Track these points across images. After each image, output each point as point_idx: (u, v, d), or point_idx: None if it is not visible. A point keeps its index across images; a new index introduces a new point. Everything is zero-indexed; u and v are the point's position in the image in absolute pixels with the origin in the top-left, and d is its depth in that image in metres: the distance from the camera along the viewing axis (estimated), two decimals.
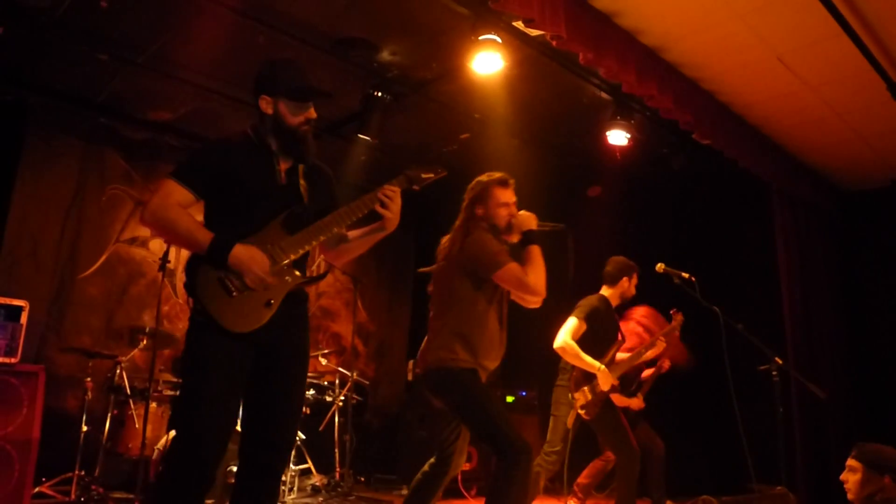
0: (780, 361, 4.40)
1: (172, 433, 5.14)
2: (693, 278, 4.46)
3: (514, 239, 3.44)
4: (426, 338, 3.41)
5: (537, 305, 3.30)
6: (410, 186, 2.77)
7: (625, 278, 4.84)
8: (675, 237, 6.88)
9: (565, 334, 4.49)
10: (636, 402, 5.50)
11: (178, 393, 5.36)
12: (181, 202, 2.49)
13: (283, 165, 2.66)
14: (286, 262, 2.52)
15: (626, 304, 5.06)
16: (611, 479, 5.11)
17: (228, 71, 5.67)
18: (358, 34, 5.15)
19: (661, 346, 4.70)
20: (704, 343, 4.79)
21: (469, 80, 5.20)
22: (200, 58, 5.49)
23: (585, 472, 5.52)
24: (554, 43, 4.22)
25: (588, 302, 4.69)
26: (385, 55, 5.40)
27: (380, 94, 5.65)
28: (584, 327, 4.54)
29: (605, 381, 4.40)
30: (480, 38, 4.54)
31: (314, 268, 7.47)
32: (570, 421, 4.47)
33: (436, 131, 6.71)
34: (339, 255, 2.86)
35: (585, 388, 4.47)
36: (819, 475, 5.56)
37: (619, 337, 4.73)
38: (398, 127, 6.43)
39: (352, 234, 2.84)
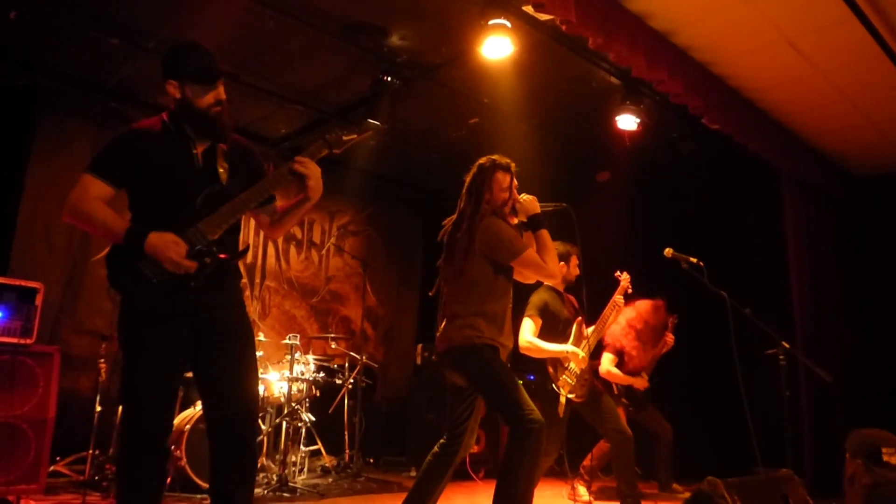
0: (787, 345, 4.43)
1: (184, 413, 5.23)
2: (701, 263, 4.47)
3: (515, 221, 3.57)
4: (444, 321, 3.45)
5: (553, 282, 3.41)
6: (331, 150, 2.74)
7: (561, 263, 4.83)
8: (683, 222, 6.88)
9: (525, 333, 4.61)
10: (639, 382, 5.54)
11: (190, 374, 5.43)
12: (99, 195, 2.55)
13: (200, 148, 2.68)
14: (204, 242, 2.53)
15: (577, 285, 5.06)
16: None
17: (239, 56, 5.69)
18: (367, 19, 5.15)
19: (619, 307, 4.88)
20: (712, 327, 4.81)
21: (478, 64, 5.19)
22: (211, 43, 5.39)
23: (591, 455, 5.58)
24: (563, 27, 4.23)
25: (536, 298, 4.78)
26: (394, 40, 5.40)
27: (389, 78, 5.65)
28: (540, 322, 4.67)
29: (577, 359, 4.52)
30: (490, 22, 4.53)
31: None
32: (560, 410, 4.52)
33: (445, 116, 6.72)
34: (272, 229, 2.90)
35: (566, 373, 4.58)
36: (825, 458, 5.59)
37: (577, 317, 4.79)
38: (408, 112, 6.44)
39: (280, 206, 2.87)
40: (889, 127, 5.95)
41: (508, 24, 4.55)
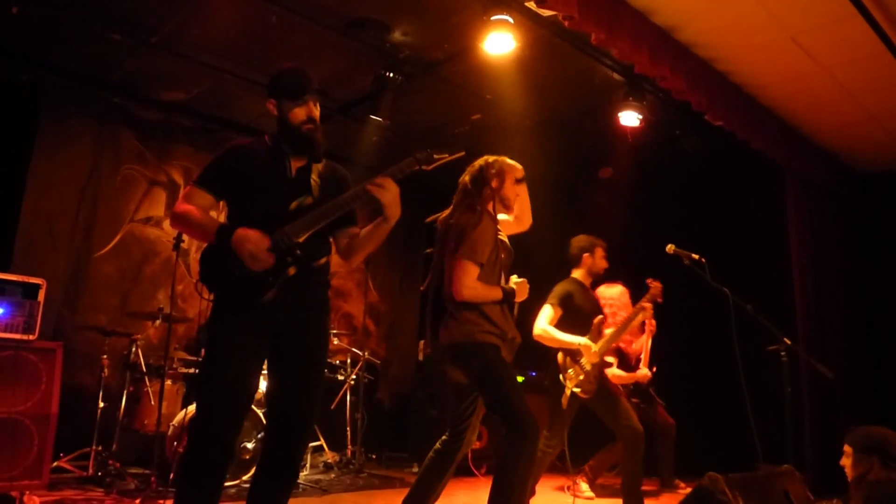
0: (789, 342, 4.42)
1: (190, 409, 5.24)
2: (703, 259, 4.46)
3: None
4: (446, 317, 3.43)
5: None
6: (420, 167, 2.83)
7: (585, 255, 4.85)
8: (686, 218, 6.88)
9: (542, 321, 4.58)
10: (642, 375, 5.52)
11: (194, 370, 5.45)
12: (201, 204, 2.74)
13: (296, 164, 2.83)
14: (289, 243, 2.64)
15: (603, 279, 5.10)
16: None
17: (241, 51, 5.70)
18: (370, 15, 5.15)
19: (649, 311, 4.77)
20: (714, 324, 4.81)
21: (481, 60, 5.18)
22: (213, 38, 5.52)
23: (598, 456, 5.57)
24: (566, 23, 4.21)
25: (560, 287, 4.74)
26: (397, 36, 5.40)
27: (392, 74, 5.65)
28: (560, 312, 4.62)
29: (590, 353, 4.44)
30: (492, 18, 4.53)
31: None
32: (564, 402, 4.45)
33: (447, 112, 6.71)
34: (349, 252, 2.92)
35: (576, 366, 4.49)
36: (826, 455, 5.58)
37: (602, 314, 4.74)
38: (410, 108, 6.43)
39: (360, 231, 2.93)
40: (893, 124, 5.94)
41: (511, 20, 4.55)
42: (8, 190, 5.89)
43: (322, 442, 6.23)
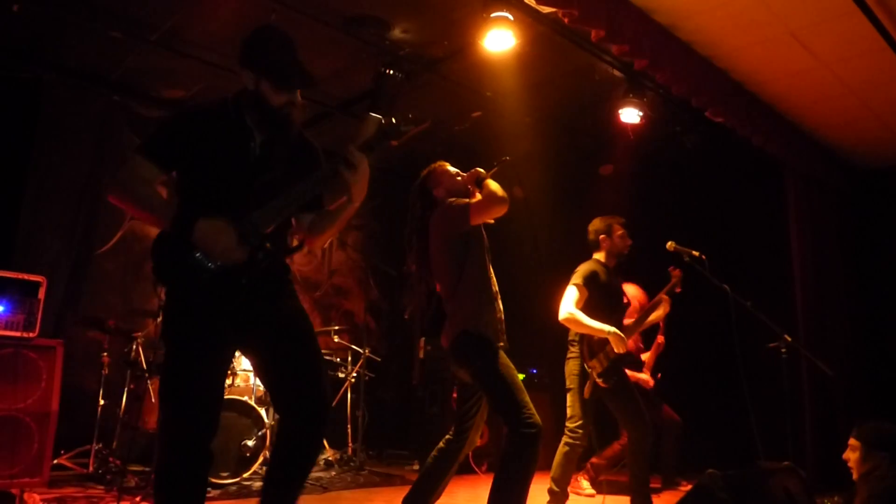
0: (789, 339, 4.42)
1: None
2: (703, 256, 4.45)
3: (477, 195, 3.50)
4: (446, 318, 3.43)
5: (503, 210, 3.33)
6: (386, 141, 2.54)
7: (602, 237, 4.63)
8: (686, 216, 6.87)
9: (569, 304, 4.32)
10: (644, 379, 5.52)
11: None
12: (147, 177, 2.39)
13: (259, 138, 2.50)
14: (257, 235, 2.36)
15: (629, 262, 4.85)
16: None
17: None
18: (370, 12, 5.15)
19: (666, 305, 4.55)
20: (714, 321, 4.81)
21: (481, 57, 5.18)
22: (213, 36, 5.52)
23: (601, 452, 5.55)
24: (566, 20, 4.21)
25: (584, 267, 4.50)
26: (397, 33, 5.40)
27: (391, 71, 5.64)
28: (586, 293, 4.37)
29: (618, 343, 4.21)
30: (492, 15, 4.52)
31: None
32: (587, 391, 4.32)
33: (448, 109, 6.70)
34: (311, 233, 2.65)
35: (601, 354, 4.33)
36: (827, 452, 5.58)
37: (625, 300, 4.61)
38: (410, 105, 6.42)
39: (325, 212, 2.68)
40: (893, 119, 5.93)
41: (510, 17, 4.54)
42: (8, 187, 5.89)
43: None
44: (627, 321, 4.61)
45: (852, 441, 3.76)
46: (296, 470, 2.51)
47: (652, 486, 4.68)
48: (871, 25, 4.51)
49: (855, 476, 3.77)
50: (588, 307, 4.35)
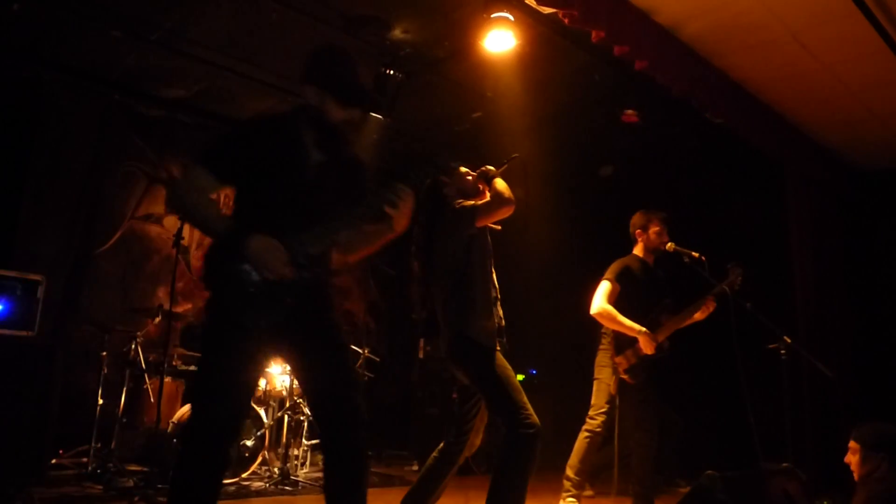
0: (789, 340, 4.41)
1: (188, 406, 5.23)
2: (703, 258, 4.45)
3: (486, 196, 3.48)
4: (444, 318, 3.42)
5: (510, 211, 3.34)
6: (440, 177, 2.71)
7: (638, 231, 4.67)
8: (686, 216, 6.86)
9: (600, 299, 4.37)
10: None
11: (194, 368, 5.46)
12: (205, 187, 2.45)
13: (316, 157, 2.57)
14: (305, 257, 2.44)
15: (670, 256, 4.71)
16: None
17: (242, 48, 5.69)
18: (370, 12, 5.14)
19: (710, 305, 4.48)
20: (713, 322, 4.79)
21: (481, 58, 5.17)
22: (214, 35, 5.52)
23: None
24: (566, 21, 4.21)
25: (617, 263, 4.54)
26: (397, 33, 5.40)
27: (392, 72, 5.64)
28: (618, 288, 4.40)
29: (647, 343, 4.25)
30: (492, 15, 4.52)
31: None
32: (613, 387, 4.31)
33: (448, 110, 6.70)
34: (347, 250, 2.73)
35: (629, 351, 4.32)
36: (827, 454, 5.58)
37: (665, 297, 4.52)
38: (411, 105, 6.42)
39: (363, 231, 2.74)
40: (893, 121, 5.92)
41: (511, 18, 4.54)
42: (8, 186, 5.88)
43: None
44: (667, 318, 4.51)
45: (852, 443, 3.75)
46: (349, 481, 2.55)
47: None
48: (871, 28, 4.50)
49: (855, 478, 3.77)
50: (622, 302, 4.37)
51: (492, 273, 3.47)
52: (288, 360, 2.73)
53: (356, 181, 2.68)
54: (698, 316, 4.52)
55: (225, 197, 2.60)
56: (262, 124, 2.60)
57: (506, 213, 3.36)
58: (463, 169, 3.57)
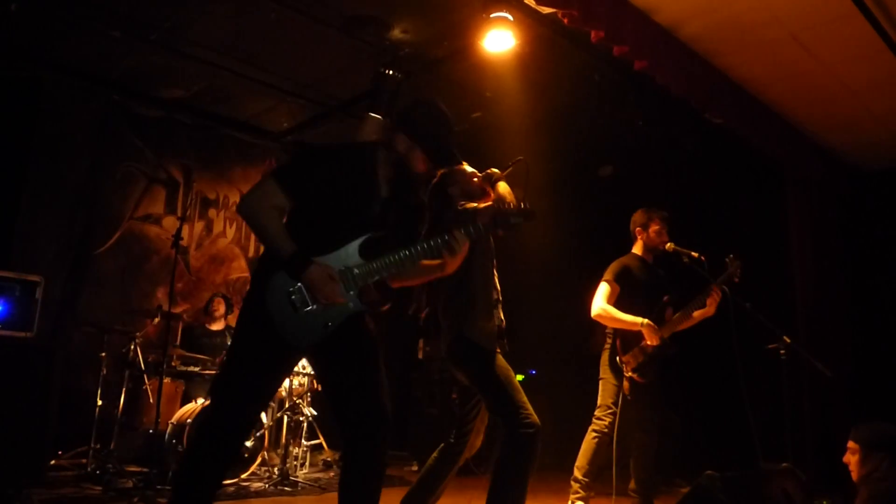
0: (788, 340, 4.40)
1: (188, 407, 5.24)
2: (703, 258, 4.44)
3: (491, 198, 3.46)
4: (445, 319, 3.42)
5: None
6: (495, 231, 2.75)
7: (638, 229, 4.67)
8: (686, 217, 6.86)
9: (600, 300, 4.38)
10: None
11: (193, 369, 5.46)
12: (276, 203, 2.54)
13: (385, 194, 2.68)
14: (354, 288, 2.55)
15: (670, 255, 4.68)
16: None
17: (240, 48, 5.69)
18: (369, 12, 5.13)
19: (716, 296, 4.44)
20: (713, 322, 4.79)
21: (480, 58, 5.17)
22: (213, 35, 5.51)
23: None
24: (566, 21, 4.20)
25: (617, 263, 4.54)
26: (396, 33, 5.39)
27: (391, 72, 5.64)
28: (617, 288, 4.41)
29: (651, 334, 4.24)
30: (492, 15, 4.52)
31: None
32: (625, 387, 4.29)
33: (447, 110, 6.68)
34: (395, 276, 2.78)
35: (636, 349, 4.31)
36: (827, 453, 5.58)
37: (666, 294, 4.50)
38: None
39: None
40: (893, 122, 5.92)
41: (510, 18, 4.53)
42: (7, 187, 5.88)
43: (321, 440, 6.22)
44: (670, 315, 4.50)
45: (851, 443, 3.75)
46: (364, 485, 2.61)
47: None
48: (871, 28, 4.50)
49: (855, 478, 3.76)
50: (623, 302, 4.37)
51: (493, 275, 3.46)
52: (320, 375, 2.84)
53: (415, 224, 2.84)
54: (705, 312, 4.50)
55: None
56: (342, 153, 2.71)
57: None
58: (469, 169, 3.56)
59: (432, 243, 2.61)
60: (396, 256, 2.59)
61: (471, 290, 3.34)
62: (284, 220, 2.62)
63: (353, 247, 2.56)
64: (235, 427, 2.58)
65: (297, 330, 2.52)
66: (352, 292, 2.55)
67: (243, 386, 2.55)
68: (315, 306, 2.49)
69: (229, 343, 2.69)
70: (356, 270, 2.55)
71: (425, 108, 2.79)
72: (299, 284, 2.48)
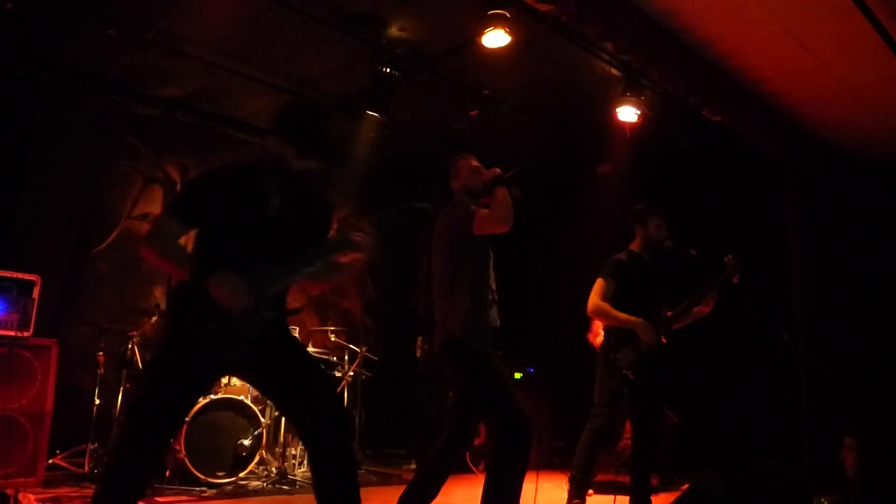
0: (787, 337, 4.40)
1: None
2: (701, 255, 4.43)
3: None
4: (438, 317, 3.40)
5: (505, 230, 3.30)
6: (401, 221, 2.77)
7: (636, 225, 4.62)
8: (684, 215, 6.85)
9: (595, 296, 4.35)
10: None
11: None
12: (173, 233, 2.62)
13: (277, 202, 2.71)
14: (264, 296, 2.58)
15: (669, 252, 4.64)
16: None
17: (237, 47, 5.67)
18: (366, 10, 5.12)
19: (712, 298, 4.44)
20: (711, 320, 4.79)
21: (478, 55, 5.17)
22: (209, 34, 5.50)
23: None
24: (563, 18, 4.20)
25: (613, 259, 4.51)
26: (394, 31, 5.38)
27: (389, 70, 5.63)
28: (613, 285, 4.37)
29: (647, 333, 4.22)
30: (489, 12, 4.52)
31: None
32: (616, 384, 4.26)
33: (445, 108, 6.69)
34: (312, 280, 2.84)
35: (630, 346, 4.29)
36: (825, 451, 5.57)
37: (663, 292, 4.49)
38: (407, 104, 6.41)
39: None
40: (891, 118, 5.92)
41: (508, 15, 4.53)
42: (4, 186, 5.86)
43: None
44: (667, 312, 4.48)
45: (848, 440, 3.76)
46: (345, 489, 2.68)
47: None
48: (869, 25, 4.49)
49: (851, 474, 3.77)
50: (620, 299, 4.34)
51: (489, 276, 3.44)
52: (264, 391, 2.88)
53: (319, 223, 2.83)
54: (702, 310, 4.49)
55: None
56: (226, 172, 2.78)
57: (501, 229, 3.30)
58: (474, 163, 3.53)
59: (336, 243, 2.67)
60: (301, 258, 2.65)
61: (464, 290, 3.32)
62: (192, 245, 2.70)
63: (260, 257, 2.60)
64: (153, 441, 2.55)
65: (215, 346, 2.54)
66: (265, 302, 2.57)
67: (162, 405, 2.54)
68: (230, 320, 2.50)
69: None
70: (264, 280, 2.58)
71: (287, 107, 2.83)
72: (211, 300, 2.49)
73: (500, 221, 3.28)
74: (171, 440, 4.89)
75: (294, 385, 2.66)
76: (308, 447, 2.69)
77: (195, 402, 2.75)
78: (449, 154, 3.61)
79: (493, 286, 3.46)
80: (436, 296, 3.41)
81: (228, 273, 2.50)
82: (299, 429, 2.74)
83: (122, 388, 5.31)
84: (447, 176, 3.52)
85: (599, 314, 4.37)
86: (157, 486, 4.69)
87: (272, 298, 2.62)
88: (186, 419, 4.93)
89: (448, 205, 3.46)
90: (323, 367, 2.80)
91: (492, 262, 3.48)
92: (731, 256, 4.48)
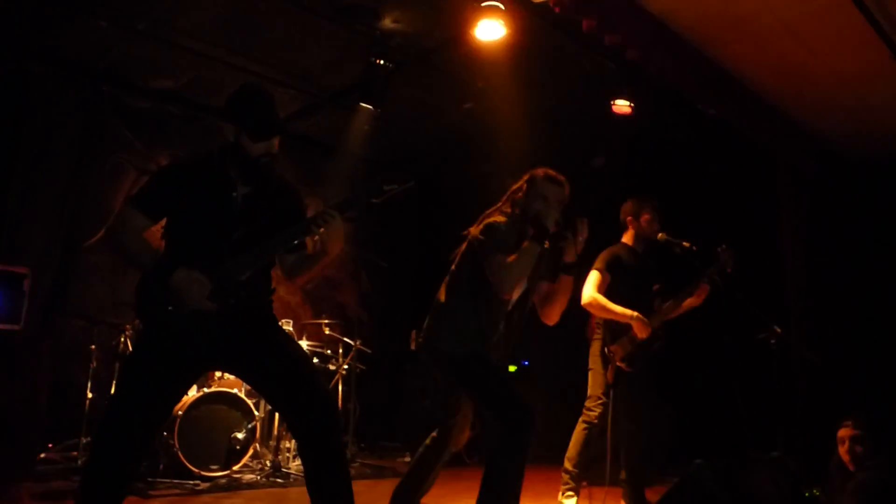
0: (779, 330, 4.41)
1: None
2: (694, 247, 4.43)
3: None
4: (433, 310, 3.35)
5: (501, 296, 3.23)
6: (370, 200, 2.72)
7: (629, 219, 4.64)
8: (678, 208, 6.85)
9: (590, 289, 4.34)
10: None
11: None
12: (137, 226, 2.65)
13: (242, 190, 2.72)
14: (232, 284, 2.58)
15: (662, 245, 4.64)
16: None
17: (229, 38, 5.64)
18: (360, 1, 5.10)
19: (704, 290, 4.46)
20: (704, 312, 4.79)
21: (472, 48, 5.15)
22: (202, 25, 5.47)
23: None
24: (556, 9, 4.18)
25: (607, 252, 4.51)
26: (387, 23, 5.35)
27: (382, 62, 5.60)
28: (608, 277, 4.38)
29: (641, 327, 4.22)
30: (483, 4, 4.50)
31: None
32: (609, 375, 4.27)
33: (439, 100, 6.67)
34: (291, 273, 2.88)
35: (624, 339, 4.30)
36: (817, 443, 5.59)
37: (657, 284, 4.49)
38: (401, 96, 6.39)
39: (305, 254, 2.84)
40: (886, 113, 5.92)
41: (501, 7, 4.52)
42: None
43: None
44: (659, 305, 4.48)
45: (842, 432, 3.77)
46: (335, 482, 2.67)
47: None
48: (863, 19, 4.48)
49: (847, 466, 3.78)
50: (613, 291, 4.35)
51: (498, 308, 3.32)
52: (248, 380, 2.91)
53: (285, 208, 2.82)
54: (694, 301, 4.50)
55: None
56: (189, 162, 2.84)
57: (493, 281, 3.18)
58: (558, 197, 3.62)
59: (303, 226, 2.65)
60: (268, 244, 2.65)
61: (467, 304, 3.25)
62: (161, 236, 2.74)
63: (225, 247, 2.62)
64: (129, 443, 2.54)
65: (179, 339, 2.57)
66: (234, 290, 2.58)
67: (133, 405, 2.55)
68: (188, 312, 2.52)
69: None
70: (229, 266, 2.59)
71: (234, 95, 2.82)
72: (170, 295, 2.52)
73: (504, 285, 3.19)
74: (164, 433, 4.90)
75: (274, 375, 2.67)
76: (296, 437, 2.71)
77: (176, 395, 2.72)
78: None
79: (504, 311, 3.34)
80: (439, 297, 3.37)
81: (191, 271, 2.51)
82: (286, 419, 2.78)
83: (114, 382, 5.29)
84: (524, 187, 3.50)
85: (594, 307, 4.35)
86: (151, 479, 4.68)
87: (243, 285, 2.61)
88: (180, 412, 4.93)
89: (502, 212, 3.39)
90: (308, 357, 2.75)
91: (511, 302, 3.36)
92: (723, 247, 4.49)
